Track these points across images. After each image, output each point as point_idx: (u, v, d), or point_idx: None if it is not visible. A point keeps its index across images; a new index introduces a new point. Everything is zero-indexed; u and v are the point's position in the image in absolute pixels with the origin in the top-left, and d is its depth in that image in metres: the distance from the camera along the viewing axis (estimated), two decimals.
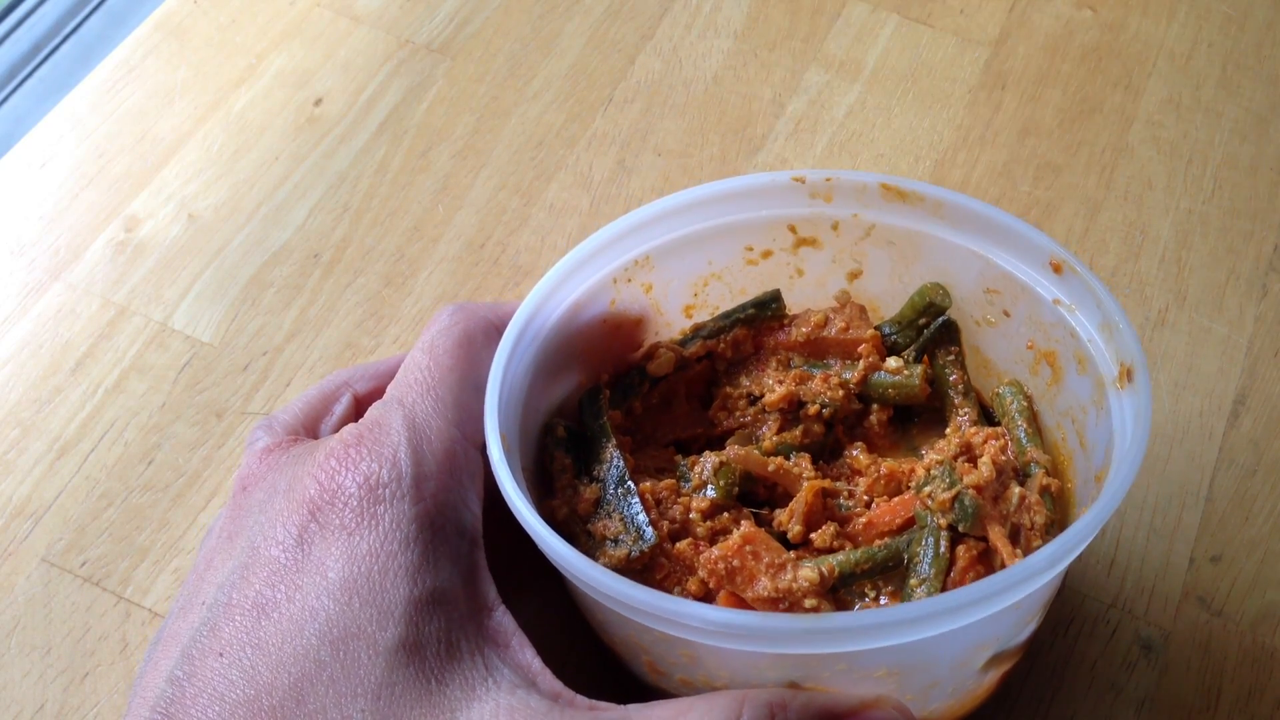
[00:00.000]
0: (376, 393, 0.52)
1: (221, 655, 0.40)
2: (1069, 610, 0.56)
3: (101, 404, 0.62)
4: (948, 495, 0.47)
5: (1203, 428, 0.61)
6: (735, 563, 0.45)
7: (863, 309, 0.55)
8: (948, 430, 0.53)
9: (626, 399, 0.54)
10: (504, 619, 0.43)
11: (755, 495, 0.51)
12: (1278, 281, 0.66)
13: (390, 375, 0.52)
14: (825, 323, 0.54)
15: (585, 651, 0.53)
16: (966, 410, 0.53)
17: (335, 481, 0.43)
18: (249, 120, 0.73)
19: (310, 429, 0.50)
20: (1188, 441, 0.60)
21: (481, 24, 0.77)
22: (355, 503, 0.42)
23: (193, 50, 0.76)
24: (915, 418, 0.55)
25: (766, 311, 0.55)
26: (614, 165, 0.70)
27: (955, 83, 0.74)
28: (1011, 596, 0.41)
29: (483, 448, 0.47)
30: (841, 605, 0.47)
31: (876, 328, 0.55)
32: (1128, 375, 0.47)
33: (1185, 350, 0.63)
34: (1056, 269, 0.50)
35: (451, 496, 0.44)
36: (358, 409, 0.51)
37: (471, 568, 0.44)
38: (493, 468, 0.45)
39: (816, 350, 0.54)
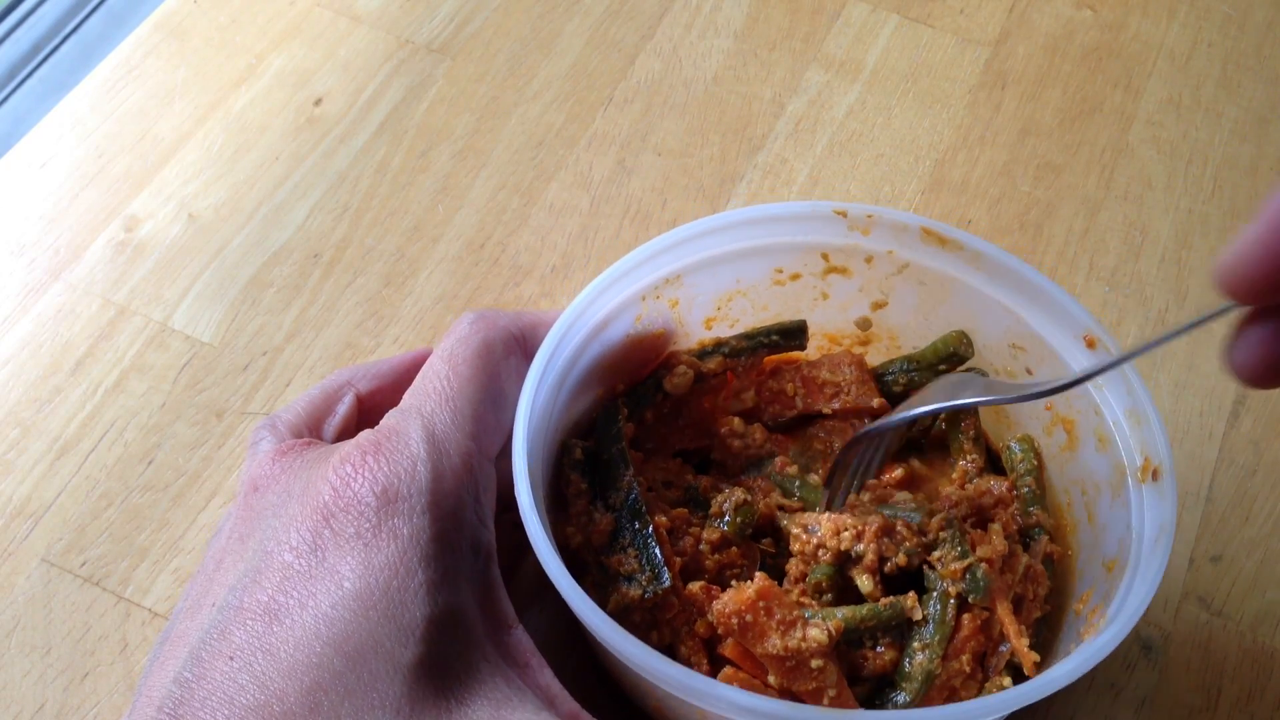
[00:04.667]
0: (379, 392, 0.51)
1: (232, 659, 0.40)
2: None
3: (101, 404, 0.62)
4: (959, 566, 0.47)
5: (1203, 428, 0.61)
6: (748, 618, 0.45)
7: (862, 361, 0.55)
8: (953, 474, 0.53)
9: (640, 409, 0.54)
10: (522, 638, 0.43)
11: (762, 529, 0.52)
12: None
13: (392, 375, 0.52)
14: (834, 395, 0.54)
15: (581, 662, 0.53)
16: (974, 457, 0.53)
17: (350, 488, 0.42)
18: (249, 120, 0.73)
19: (313, 429, 0.49)
20: (1188, 441, 0.60)
21: (481, 24, 0.77)
22: (371, 512, 0.42)
23: (193, 50, 0.76)
24: (924, 453, 0.55)
25: (791, 341, 0.55)
26: (614, 165, 0.70)
27: (955, 83, 0.74)
28: (1023, 703, 0.42)
29: (495, 460, 0.47)
30: (843, 656, 0.48)
31: (890, 366, 0.55)
32: (1153, 474, 0.47)
33: (1185, 350, 0.63)
34: (1090, 344, 0.50)
35: (468, 514, 0.44)
36: (360, 409, 0.51)
37: (488, 585, 0.44)
38: (523, 517, 0.45)
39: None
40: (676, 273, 0.53)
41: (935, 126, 0.72)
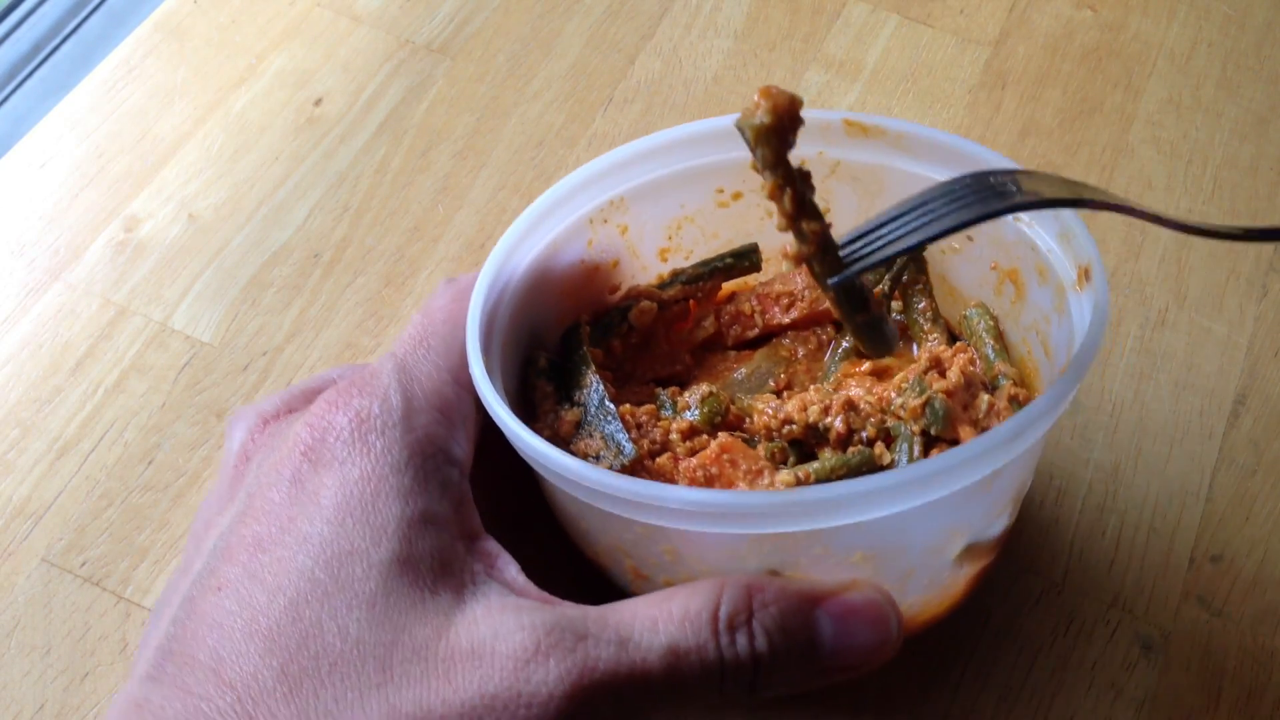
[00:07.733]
0: None
1: (220, 590, 0.41)
2: (1069, 610, 0.56)
3: (101, 404, 0.62)
4: (918, 402, 0.47)
5: (1203, 428, 0.61)
6: (714, 470, 0.46)
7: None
8: (917, 354, 0.53)
9: (606, 338, 0.54)
10: (491, 543, 0.44)
11: (733, 424, 0.52)
12: (1278, 281, 0.66)
13: None
14: (790, 305, 0.55)
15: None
16: (935, 336, 0.54)
17: (326, 420, 0.44)
18: (249, 120, 0.73)
19: None
20: (1188, 441, 0.60)
21: (481, 24, 0.77)
22: (346, 435, 0.43)
23: (193, 50, 0.76)
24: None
25: (744, 262, 0.56)
26: None
27: (955, 83, 0.74)
28: (981, 467, 0.42)
29: (474, 391, 0.47)
30: None
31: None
32: (1085, 275, 0.47)
33: (1185, 350, 0.63)
34: None
35: (441, 431, 0.45)
36: None
37: (460, 497, 0.45)
38: (469, 365, 0.45)
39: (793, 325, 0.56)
40: (620, 196, 0.54)
41: (935, 126, 0.72)
